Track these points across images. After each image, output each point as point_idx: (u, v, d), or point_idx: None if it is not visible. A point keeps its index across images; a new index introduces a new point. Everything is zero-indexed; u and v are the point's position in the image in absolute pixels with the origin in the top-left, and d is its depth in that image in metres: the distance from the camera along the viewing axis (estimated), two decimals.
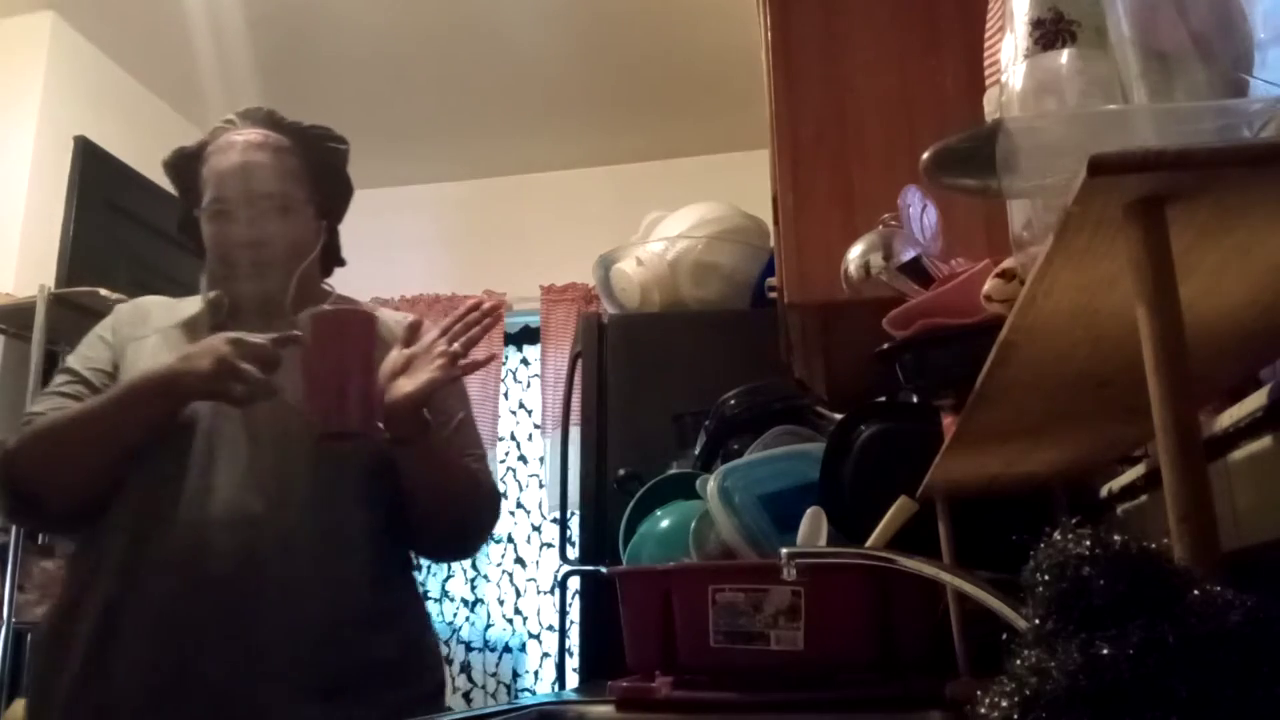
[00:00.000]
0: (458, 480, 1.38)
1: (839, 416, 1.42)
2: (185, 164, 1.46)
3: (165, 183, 1.55)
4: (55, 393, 1.39)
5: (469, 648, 3.84)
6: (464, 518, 1.41)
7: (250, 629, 1.22)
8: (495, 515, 1.48)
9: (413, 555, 1.49)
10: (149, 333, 1.42)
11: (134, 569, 1.25)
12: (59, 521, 1.48)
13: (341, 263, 1.56)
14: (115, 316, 1.49)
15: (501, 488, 3.91)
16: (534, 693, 3.80)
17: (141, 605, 1.24)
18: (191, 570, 1.23)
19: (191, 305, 1.45)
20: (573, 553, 2.51)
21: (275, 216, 1.39)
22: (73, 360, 1.44)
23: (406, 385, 1.24)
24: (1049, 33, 0.64)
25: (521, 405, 4.08)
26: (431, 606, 3.89)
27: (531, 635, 3.84)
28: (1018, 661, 0.42)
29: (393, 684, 1.29)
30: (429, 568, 3.94)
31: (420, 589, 1.50)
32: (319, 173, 1.46)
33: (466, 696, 3.79)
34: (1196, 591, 0.40)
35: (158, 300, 1.51)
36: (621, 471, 2.16)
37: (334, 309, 1.31)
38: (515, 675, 3.81)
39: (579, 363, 2.51)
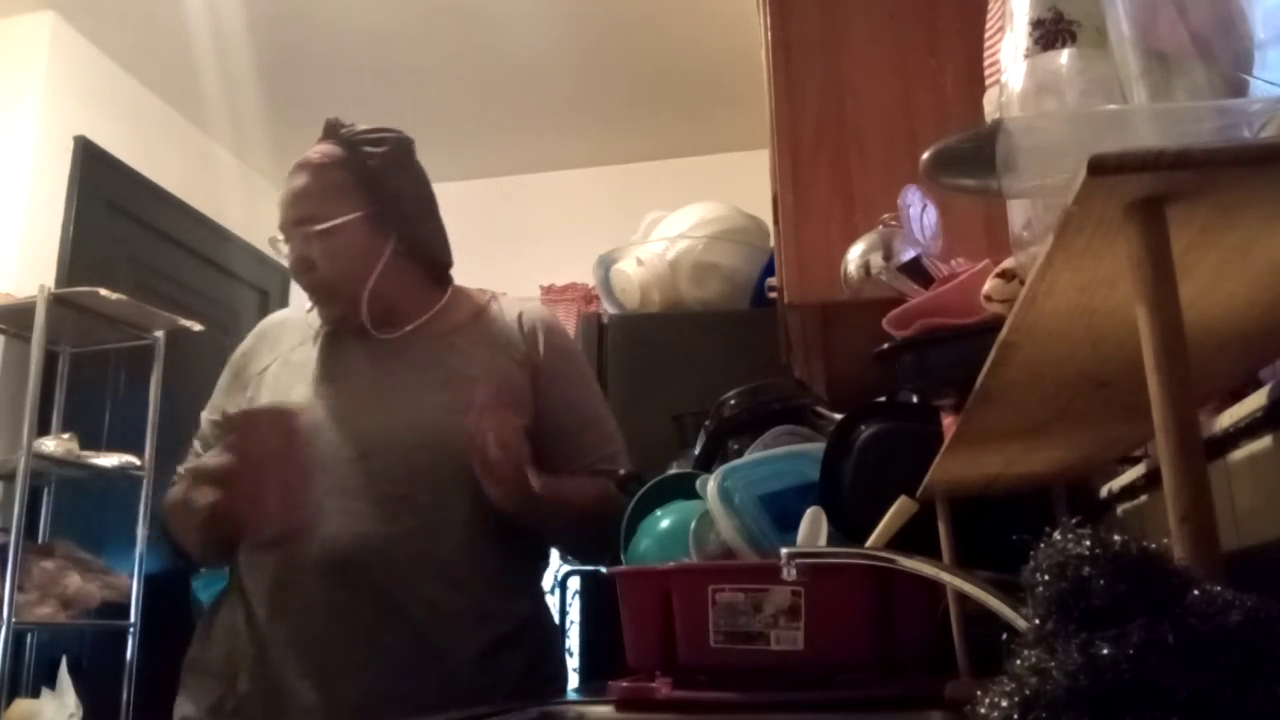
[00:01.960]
0: (585, 510, 1.39)
1: (839, 416, 1.42)
2: None
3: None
4: (193, 451, 1.45)
5: None
6: (600, 535, 1.43)
7: (379, 656, 1.25)
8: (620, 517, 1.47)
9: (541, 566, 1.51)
10: (272, 360, 1.45)
11: (276, 603, 1.30)
12: (212, 564, 1.53)
13: (447, 261, 1.55)
14: (243, 346, 1.52)
15: None
16: None
17: (283, 634, 1.28)
18: (316, 599, 1.27)
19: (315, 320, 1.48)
20: None
21: (317, 240, 1.39)
22: (207, 408, 1.50)
23: (489, 489, 1.25)
24: (1049, 33, 0.65)
25: None
26: None
27: None
28: (1018, 661, 0.42)
29: (511, 700, 1.28)
30: None
31: (545, 595, 1.51)
32: (369, 181, 1.42)
33: None
34: (1196, 591, 0.40)
35: (286, 316, 1.54)
36: (621, 471, 2.16)
37: (249, 410, 1.33)
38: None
39: None
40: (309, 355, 1.43)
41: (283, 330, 1.50)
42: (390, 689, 1.25)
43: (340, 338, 1.44)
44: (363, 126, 1.44)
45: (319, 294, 1.42)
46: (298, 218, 1.40)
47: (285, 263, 1.43)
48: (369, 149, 1.43)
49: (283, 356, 1.44)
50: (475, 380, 1.37)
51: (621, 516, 1.43)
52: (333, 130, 1.44)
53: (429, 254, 1.50)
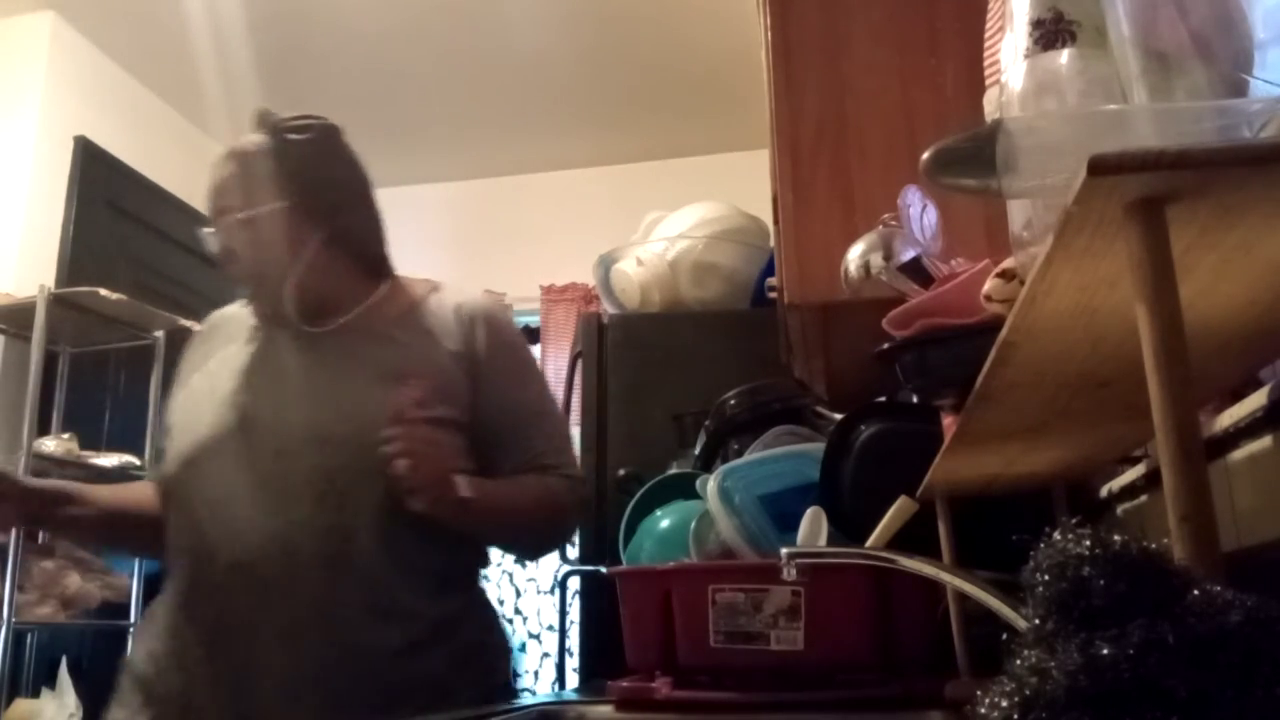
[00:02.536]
0: (526, 512, 1.35)
1: (839, 416, 1.42)
2: None
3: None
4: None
5: None
6: (543, 535, 1.41)
7: (293, 656, 1.21)
8: (578, 511, 1.44)
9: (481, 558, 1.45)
10: (207, 358, 1.43)
11: (190, 603, 1.28)
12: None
13: (381, 251, 1.48)
14: (191, 342, 1.49)
15: None
16: (534, 693, 3.80)
17: (196, 635, 1.26)
18: (227, 599, 1.24)
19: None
20: (573, 553, 2.51)
21: (240, 230, 1.35)
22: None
23: (409, 501, 1.20)
24: (1049, 33, 0.65)
25: None
26: None
27: (531, 635, 3.84)
28: (1018, 661, 0.42)
29: (437, 699, 1.23)
30: None
31: (483, 592, 1.45)
32: (293, 170, 1.37)
33: None
34: (1196, 591, 0.40)
35: (232, 312, 1.49)
36: (621, 471, 2.16)
37: None
38: (515, 675, 3.81)
39: (579, 363, 2.51)
40: (243, 350, 1.39)
41: (224, 326, 1.47)
42: (305, 689, 1.21)
43: (273, 332, 1.40)
44: (290, 115, 1.39)
45: (245, 286, 1.40)
46: (220, 208, 1.37)
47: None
48: (293, 136, 1.38)
49: (219, 353, 1.41)
50: (406, 375, 1.29)
51: (568, 514, 1.40)
52: (261, 120, 1.40)
53: (361, 244, 1.44)
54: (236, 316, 1.46)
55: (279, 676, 1.21)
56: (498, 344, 1.40)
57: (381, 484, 1.22)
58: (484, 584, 1.44)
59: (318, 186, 1.38)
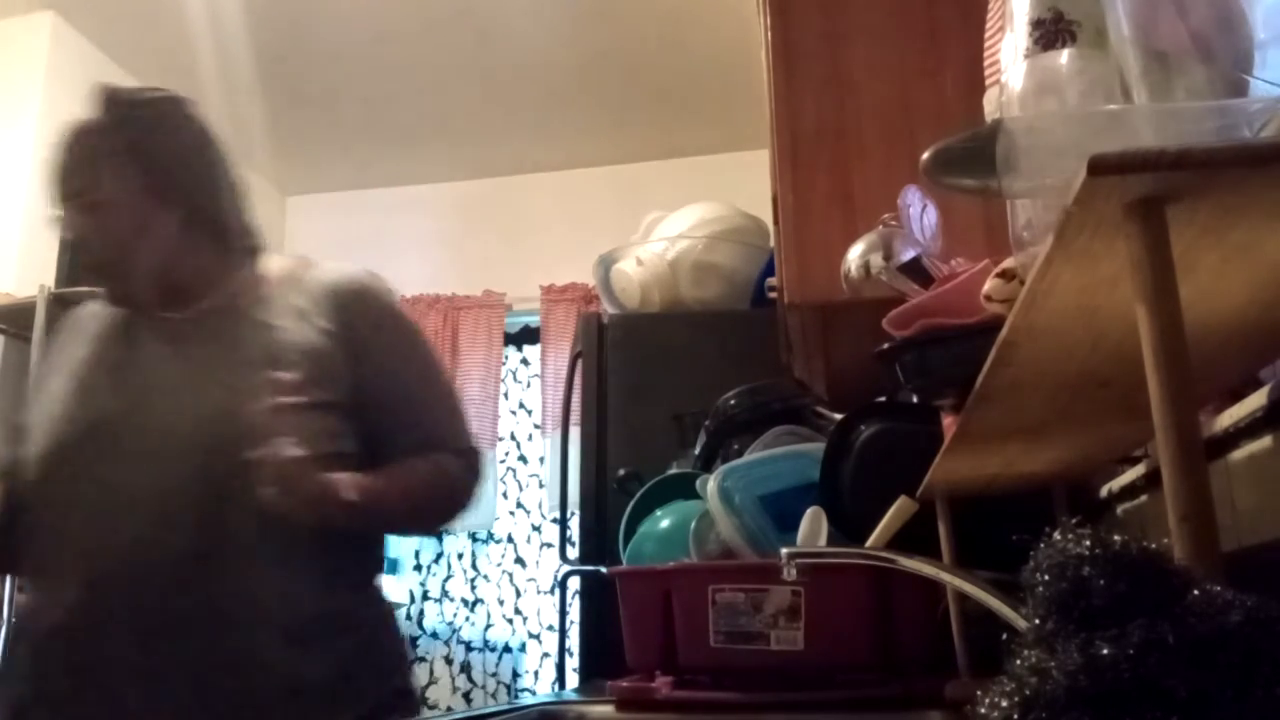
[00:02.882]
0: (418, 499, 1.29)
1: (839, 416, 1.42)
2: None
3: None
4: None
5: (469, 648, 3.84)
6: (438, 517, 1.35)
7: (158, 662, 1.14)
8: (473, 485, 1.35)
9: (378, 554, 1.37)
10: (63, 356, 1.33)
11: (51, 608, 1.19)
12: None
13: (242, 228, 1.35)
14: (48, 348, 1.38)
15: (501, 487, 3.91)
16: (534, 693, 3.80)
17: (60, 624, 1.17)
18: (87, 613, 1.15)
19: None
20: (573, 553, 2.51)
21: (87, 214, 1.27)
22: None
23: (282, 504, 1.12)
24: (1049, 33, 0.65)
25: (521, 405, 4.08)
26: (431, 607, 3.89)
27: (531, 635, 3.84)
28: (1018, 661, 0.42)
29: (326, 702, 1.18)
30: (428, 568, 3.94)
31: (378, 589, 1.35)
32: (137, 149, 1.27)
33: (466, 696, 3.79)
34: (1196, 591, 0.40)
35: (94, 307, 1.37)
36: (621, 471, 2.16)
37: None
38: (515, 675, 3.81)
39: (579, 363, 2.51)
40: (102, 345, 1.30)
41: (83, 323, 1.36)
42: (184, 694, 1.14)
43: (131, 322, 1.31)
44: (132, 87, 1.32)
45: (95, 273, 1.30)
46: (65, 192, 1.27)
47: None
48: (134, 113, 1.28)
49: (79, 351, 1.31)
50: (276, 360, 1.21)
51: (462, 491, 1.33)
52: (100, 95, 1.29)
53: (218, 222, 1.32)
54: (96, 312, 1.36)
55: (155, 682, 1.14)
56: (376, 319, 1.32)
57: (251, 481, 1.15)
58: (380, 581, 1.36)
59: (166, 163, 1.28)
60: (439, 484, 1.30)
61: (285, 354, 1.24)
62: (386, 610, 1.36)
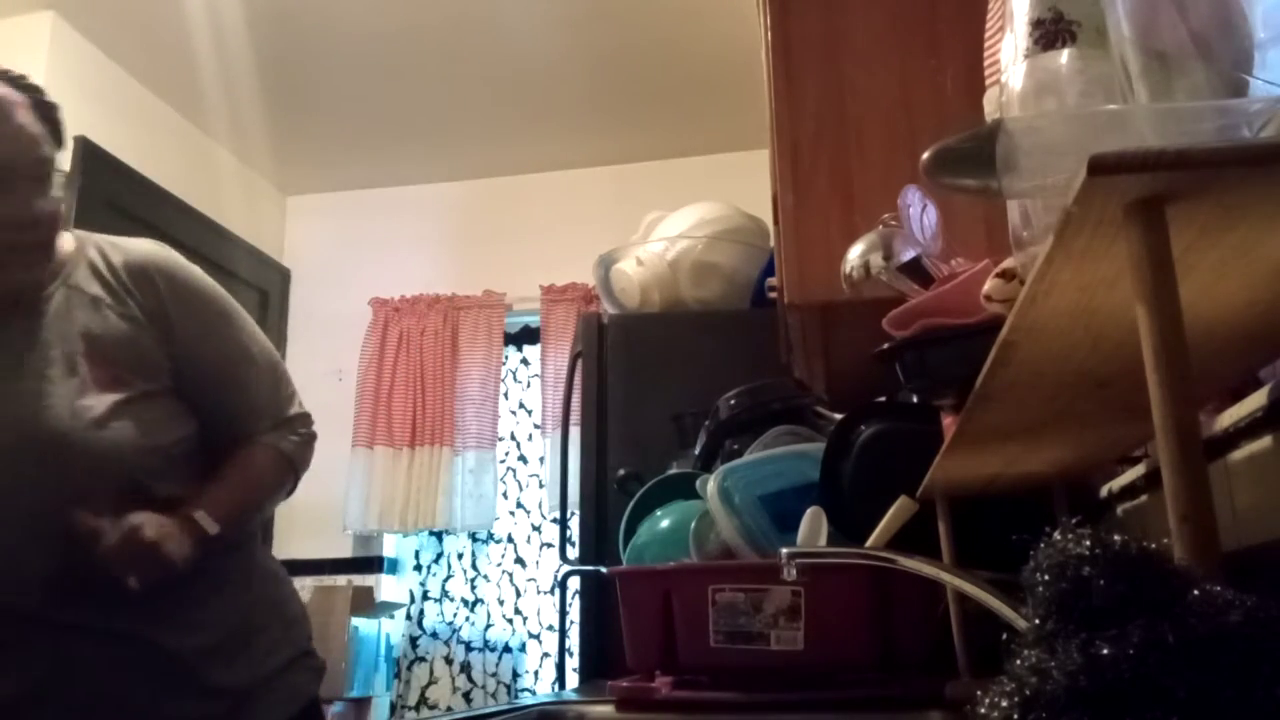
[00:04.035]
0: (265, 498, 1.30)
1: (839, 416, 1.42)
2: None
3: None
4: None
5: (469, 648, 3.84)
6: (280, 499, 1.34)
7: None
8: (307, 456, 1.35)
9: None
10: None
11: None
12: None
13: (30, 220, 1.20)
14: None
15: (501, 487, 3.91)
16: (534, 693, 3.80)
17: None
18: None
19: None
20: (573, 553, 2.51)
21: None
22: None
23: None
24: (1049, 33, 0.65)
25: (521, 405, 4.08)
26: (431, 607, 3.90)
27: (531, 635, 3.84)
28: (1018, 661, 0.42)
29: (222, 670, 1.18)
30: (428, 568, 3.94)
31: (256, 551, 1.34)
32: None
33: (466, 696, 3.79)
34: (1196, 591, 0.40)
35: None
36: (621, 471, 2.17)
37: None
38: (515, 675, 3.81)
39: (579, 363, 2.51)
40: None
41: None
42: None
43: None
44: None
45: None
46: None
47: None
48: None
49: None
50: (89, 356, 1.16)
51: (299, 466, 1.33)
52: None
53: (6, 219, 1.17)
54: None
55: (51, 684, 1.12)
56: (183, 295, 1.26)
57: (77, 481, 1.13)
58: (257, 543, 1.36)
59: None
60: (279, 470, 1.30)
61: (97, 349, 1.18)
62: (271, 568, 1.36)
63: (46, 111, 1.21)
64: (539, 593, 3.85)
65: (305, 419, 1.36)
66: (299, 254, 4.19)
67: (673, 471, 1.70)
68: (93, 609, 1.13)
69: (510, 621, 3.86)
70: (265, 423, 1.30)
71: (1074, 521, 0.45)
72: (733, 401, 1.64)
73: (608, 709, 1.18)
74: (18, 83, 1.20)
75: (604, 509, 2.32)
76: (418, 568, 3.96)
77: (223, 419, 1.27)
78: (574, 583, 2.56)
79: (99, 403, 1.15)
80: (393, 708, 3.74)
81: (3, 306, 1.18)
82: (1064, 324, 0.62)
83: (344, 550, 3.81)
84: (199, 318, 1.27)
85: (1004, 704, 0.41)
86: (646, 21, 3.24)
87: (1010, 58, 0.68)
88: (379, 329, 3.95)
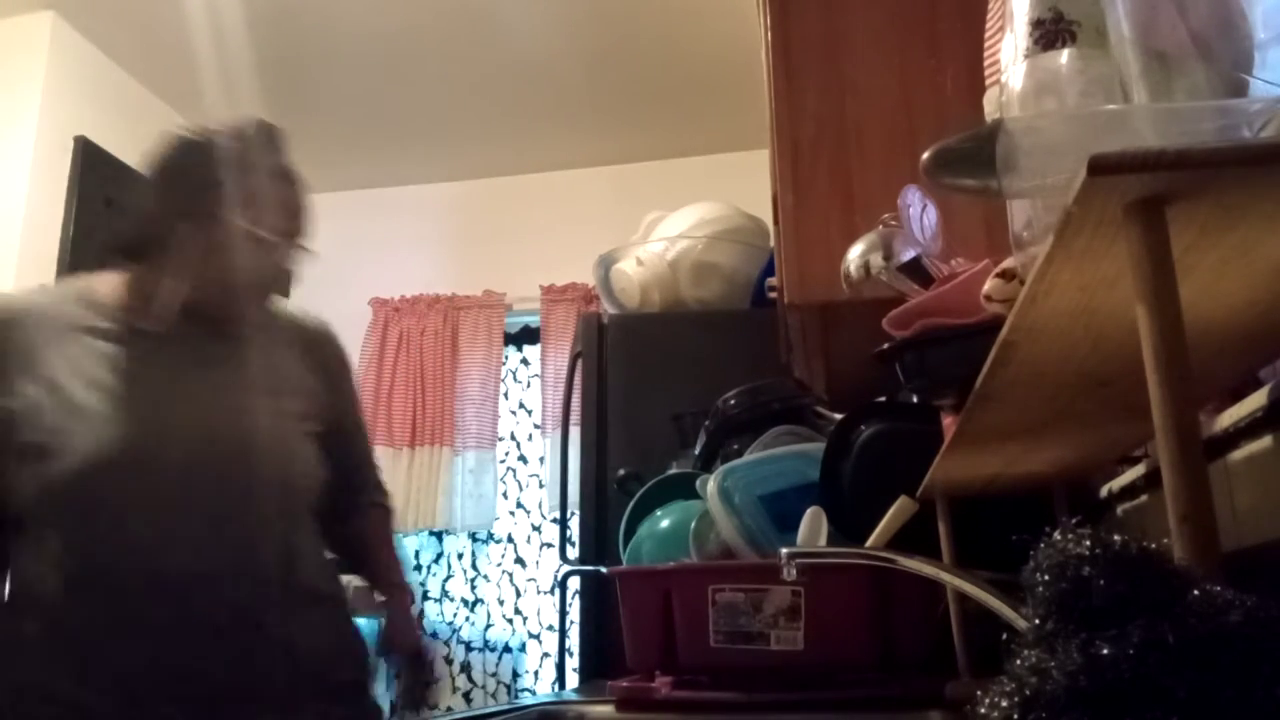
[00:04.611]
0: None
1: (839, 416, 1.42)
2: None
3: None
4: None
5: (469, 648, 3.84)
6: None
7: (226, 655, 1.20)
8: None
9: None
10: (38, 360, 1.26)
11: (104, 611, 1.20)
12: None
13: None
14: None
15: (501, 487, 3.92)
16: (534, 693, 3.80)
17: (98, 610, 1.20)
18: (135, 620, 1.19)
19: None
20: (573, 553, 2.51)
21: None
22: None
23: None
24: (1049, 33, 0.65)
25: (521, 405, 4.08)
26: (431, 607, 3.89)
27: (531, 635, 3.84)
28: (1018, 661, 0.42)
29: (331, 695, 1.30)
30: (428, 568, 3.94)
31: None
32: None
33: (466, 696, 3.79)
34: (1196, 591, 0.40)
35: (31, 307, 1.31)
36: (621, 471, 2.16)
37: None
38: (515, 675, 3.81)
39: (579, 363, 2.51)
40: (109, 354, 1.26)
41: (28, 329, 1.27)
42: (243, 688, 1.20)
43: (149, 335, 1.29)
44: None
45: (197, 294, 1.31)
46: (300, 227, 1.36)
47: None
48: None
49: (82, 353, 1.26)
50: (292, 391, 1.34)
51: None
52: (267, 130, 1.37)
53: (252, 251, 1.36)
54: (53, 314, 1.30)
55: (220, 677, 1.18)
56: (340, 365, 1.48)
57: (289, 493, 1.29)
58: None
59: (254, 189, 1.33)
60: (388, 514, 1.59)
61: (292, 385, 1.36)
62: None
63: None
64: (539, 593, 3.85)
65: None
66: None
67: (673, 471, 1.70)
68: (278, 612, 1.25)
69: (510, 621, 3.86)
70: (370, 478, 1.54)
71: (1074, 521, 0.45)
72: (733, 401, 1.64)
73: (608, 709, 1.18)
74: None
75: (604, 509, 2.32)
76: (418, 567, 3.96)
77: (340, 478, 1.41)
78: (574, 583, 2.56)
79: (298, 429, 1.33)
80: (393, 707, 3.74)
81: (249, 299, 1.34)
82: (1064, 324, 0.62)
83: None
84: (348, 388, 1.51)
85: (1004, 704, 0.41)
86: (646, 21, 3.24)
87: (1010, 58, 0.68)
88: (379, 329, 3.95)
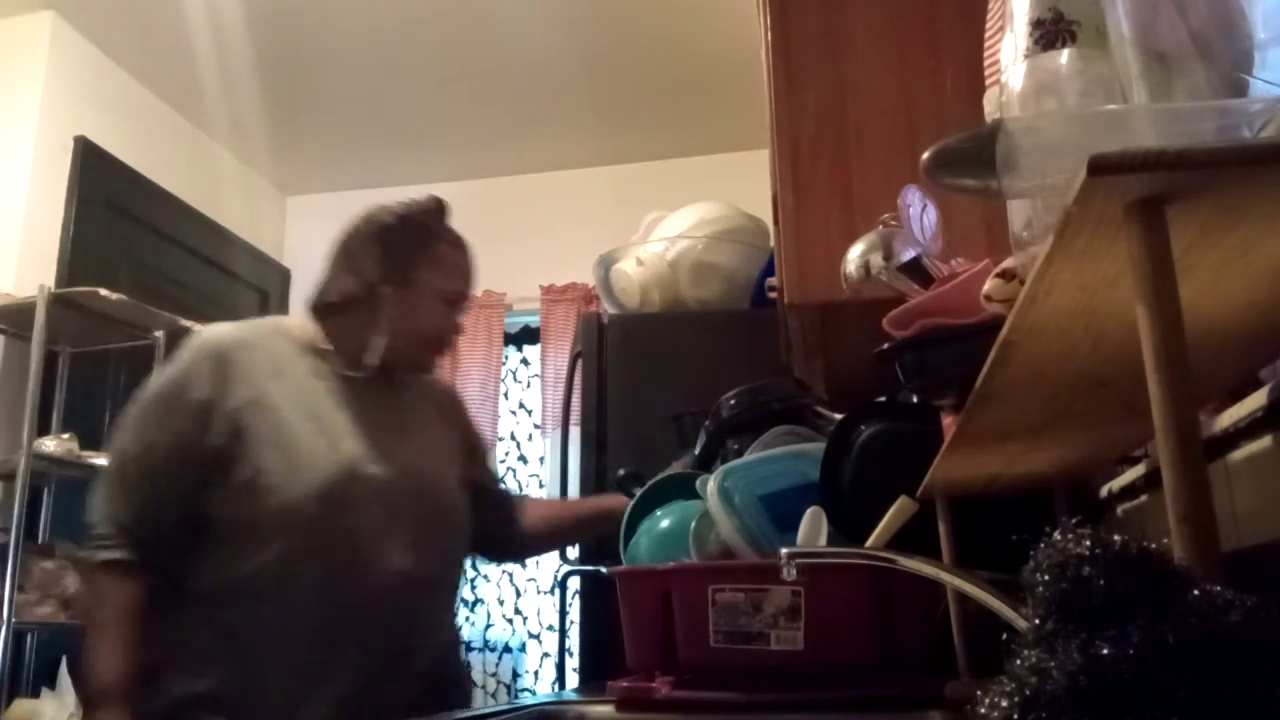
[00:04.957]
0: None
1: (839, 416, 1.42)
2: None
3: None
4: (111, 478, 1.46)
5: (469, 648, 3.84)
6: None
7: (412, 663, 1.47)
8: None
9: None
10: (255, 393, 1.46)
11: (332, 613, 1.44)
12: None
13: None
14: (185, 372, 1.47)
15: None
16: (534, 693, 3.80)
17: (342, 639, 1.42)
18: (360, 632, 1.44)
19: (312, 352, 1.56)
20: (573, 553, 2.51)
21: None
22: (132, 436, 1.47)
23: None
24: (1049, 33, 0.65)
25: (521, 405, 4.08)
26: None
27: (531, 635, 3.84)
28: (1018, 661, 0.42)
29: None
30: None
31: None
32: None
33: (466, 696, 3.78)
34: (1196, 591, 0.40)
35: (243, 341, 1.51)
36: (621, 471, 2.16)
37: None
38: (515, 675, 3.81)
39: (579, 363, 2.51)
40: (322, 390, 1.51)
41: (266, 351, 1.51)
42: (418, 687, 1.45)
43: (345, 379, 1.54)
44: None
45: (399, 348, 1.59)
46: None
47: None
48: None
49: (289, 381, 1.49)
50: (459, 439, 1.68)
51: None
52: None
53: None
54: (266, 351, 1.51)
55: (408, 677, 1.44)
56: (473, 425, 1.78)
57: (458, 523, 1.58)
58: None
59: None
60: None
61: (446, 433, 1.65)
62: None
63: None
64: (539, 593, 3.85)
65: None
66: (299, 254, 4.19)
67: (673, 471, 1.70)
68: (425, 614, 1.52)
69: (510, 621, 3.86)
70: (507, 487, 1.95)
71: (1074, 521, 0.45)
72: (733, 401, 1.64)
73: (608, 709, 1.18)
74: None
75: None
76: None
77: (488, 492, 1.76)
78: (574, 583, 2.56)
79: (454, 473, 1.61)
80: None
81: (433, 352, 1.64)
82: (1064, 324, 0.62)
83: None
84: (476, 432, 1.79)
85: (1004, 704, 0.41)
86: (646, 21, 3.24)
87: (1010, 58, 0.68)
88: None
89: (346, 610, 1.40)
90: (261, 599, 1.39)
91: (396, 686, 1.42)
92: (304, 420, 1.45)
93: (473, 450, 1.72)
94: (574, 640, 2.45)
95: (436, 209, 1.60)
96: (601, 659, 2.23)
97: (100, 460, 2.87)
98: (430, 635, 1.50)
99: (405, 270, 1.54)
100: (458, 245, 1.62)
